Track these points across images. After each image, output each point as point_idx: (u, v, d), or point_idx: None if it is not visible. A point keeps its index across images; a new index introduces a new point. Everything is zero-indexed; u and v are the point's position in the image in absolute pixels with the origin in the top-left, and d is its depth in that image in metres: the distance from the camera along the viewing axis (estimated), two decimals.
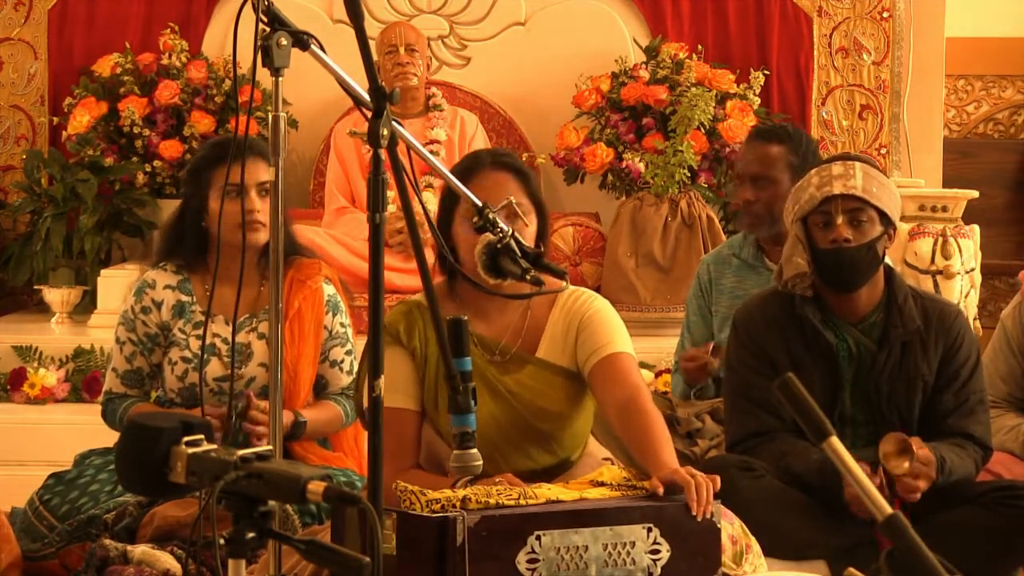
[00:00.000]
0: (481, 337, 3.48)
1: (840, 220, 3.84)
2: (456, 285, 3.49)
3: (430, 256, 3.20)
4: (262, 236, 3.98)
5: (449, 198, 3.44)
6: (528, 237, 3.44)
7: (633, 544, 3.10)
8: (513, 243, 3.14)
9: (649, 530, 3.11)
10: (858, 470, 2.19)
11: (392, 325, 3.45)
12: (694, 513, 3.13)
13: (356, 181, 6.52)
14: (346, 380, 4.16)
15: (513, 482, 3.21)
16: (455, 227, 3.43)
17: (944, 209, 6.19)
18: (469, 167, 3.50)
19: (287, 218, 4.12)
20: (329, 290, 4.14)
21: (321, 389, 4.16)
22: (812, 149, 4.61)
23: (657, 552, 3.12)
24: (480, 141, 6.65)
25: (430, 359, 3.42)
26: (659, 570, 3.12)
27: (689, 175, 6.43)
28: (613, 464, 3.49)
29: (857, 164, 3.87)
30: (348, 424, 4.17)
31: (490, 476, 3.24)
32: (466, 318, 3.02)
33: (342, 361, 4.16)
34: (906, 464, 3.69)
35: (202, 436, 2.17)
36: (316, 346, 4.10)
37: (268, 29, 2.83)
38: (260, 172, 3.97)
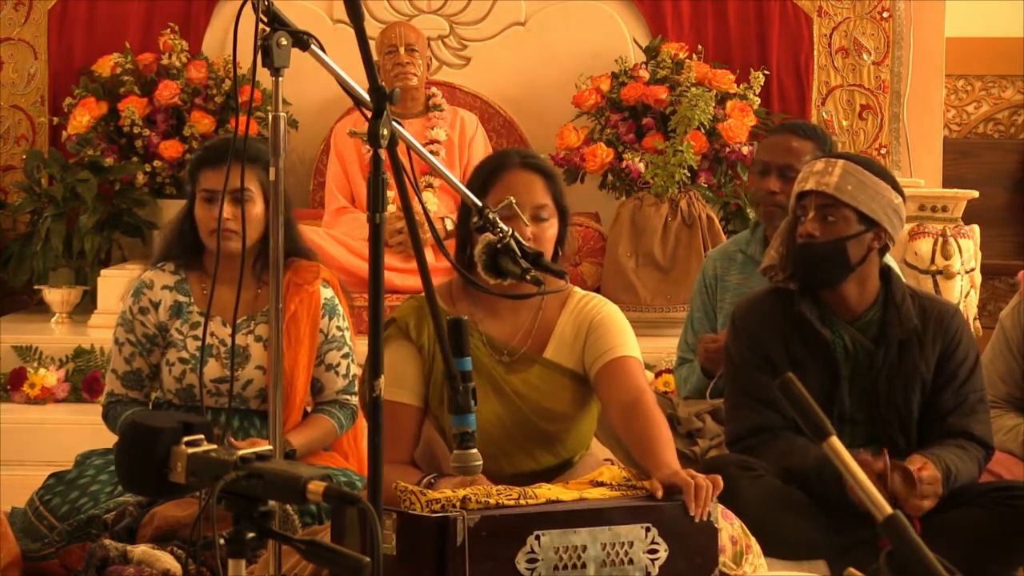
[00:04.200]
0: (490, 337, 3.48)
1: (811, 216, 3.85)
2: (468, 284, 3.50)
3: (430, 256, 3.20)
4: (232, 244, 3.97)
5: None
6: (548, 240, 3.45)
7: (631, 544, 3.10)
8: (513, 243, 3.14)
9: (647, 530, 3.12)
10: (858, 470, 2.19)
11: (402, 319, 3.46)
12: (692, 514, 3.13)
13: (356, 181, 6.52)
14: (342, 384, 4.15)
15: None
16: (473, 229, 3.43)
17: (944, 209, 6.20)
18: (498, 165, 3.51)
19: (291, 218, 4.12)
20: (326, 293, 4.13)
21: (317, 392, 4.16)
22: (836, 150, 4.63)
23: (655, 552, 3.12)
24: (480, 141, 6.65)
25: (438, 356, 3.41)
26: (657, 570, 3.12)
27: (689, 175, 6.43)
28: (613, 464, 3.50)
29: (840, 162, 3.87)
30: (343, 433, 4.17)
31: (491, 476, 3.25)
32: (467, 318, 3.02)
33: (338, 365, 4.15)
34: (910, 487, 3.69)
35: (202, 436, 2.18)
36: (312, 349, 4.09)
37: (268, 29, 2.83)
38: (234, 179, 3.78)
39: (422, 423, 3.45)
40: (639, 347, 3.52)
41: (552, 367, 3.48)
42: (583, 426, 3.51)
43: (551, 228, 3.48)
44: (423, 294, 3.45)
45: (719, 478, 3.19)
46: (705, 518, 3.15)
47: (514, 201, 3.34)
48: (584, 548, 3.07)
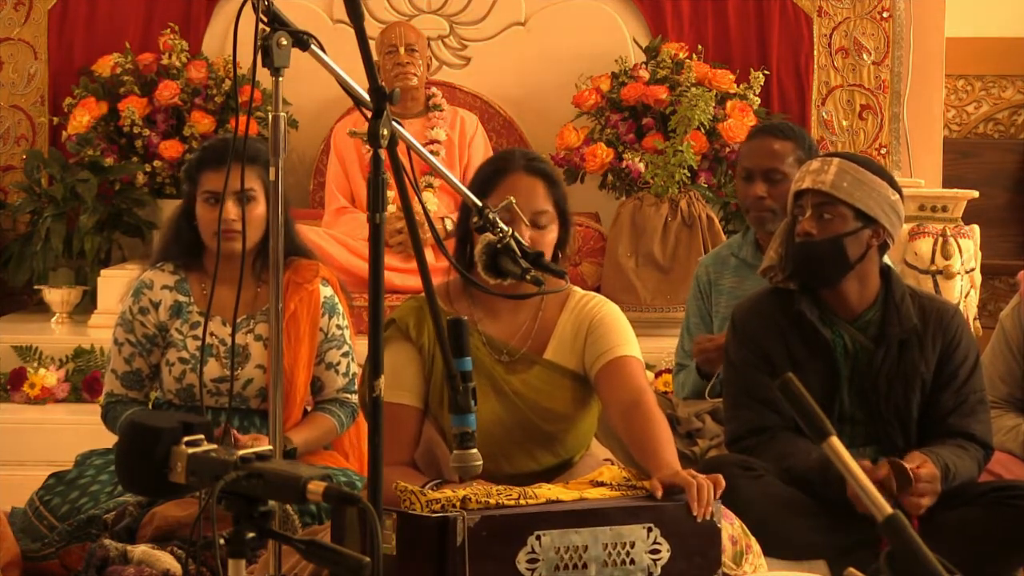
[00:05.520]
0: (490, 337, 3.48)
1: (808, 214, 3.85)
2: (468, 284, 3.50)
3: (430, 256, 3.19)
4: (235, 245, 3.97)
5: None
6: (547, 245, 3.45)
7: (633, 544, 3.10)
8: (513, 243, 3.14)
9: (649, 530, 3.12)
10: (858, 470, 2.19)
11: (402, 320, 3.46)
12: (694, 514, 3.13)
13: (356, 181, 6.52)
14: (342, 382, 4.15)
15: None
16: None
17: (944, 209, 6.19)
18: (501, 167, 3.51)
19: (290, 217, 4.12)
20: (326, 292, 4.13)
21: (317, 391, 4.16)
22: (815, 146, 4.61)
23: (657, 552, 3.12)
24: (480, 141, 6.65)
25: (438, 357, 3.41)
26: (659, 570, 3.12)
27: (689, 175, 6.43)
28: (613, 464, 3.49)
29: (836, 160, 3.87)
30: (343, 431, 4.17)
31: (491, 476, 3.25)
32: (467, 318, 3.01)
33: (338, 363, 4.15)
34: (906, 485, 3.69)
35: (202, 436, 2.18)
36: (312, 348, 4.10)
37: (268, 29, 2.83)
38: (237, 180, 3.79)
39: (422, 424, 3.45)
40: (639, 347, 3.52)
41: (552, 368, 3.48)
42: (583, 426, 3.51)
43: (550, 234, 3.48)
44: (423, 294, 3.46)
45: (720, 478, 3.19)
46: (708, 518, 3.15)
47: (514, 202, 3.34)
48: (585, 548, 3.06)
